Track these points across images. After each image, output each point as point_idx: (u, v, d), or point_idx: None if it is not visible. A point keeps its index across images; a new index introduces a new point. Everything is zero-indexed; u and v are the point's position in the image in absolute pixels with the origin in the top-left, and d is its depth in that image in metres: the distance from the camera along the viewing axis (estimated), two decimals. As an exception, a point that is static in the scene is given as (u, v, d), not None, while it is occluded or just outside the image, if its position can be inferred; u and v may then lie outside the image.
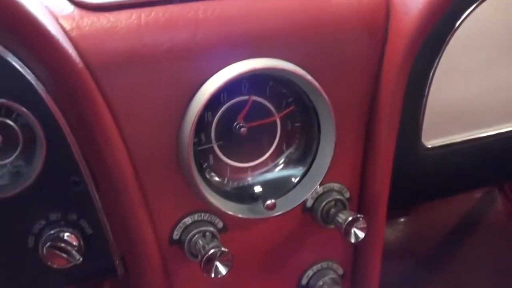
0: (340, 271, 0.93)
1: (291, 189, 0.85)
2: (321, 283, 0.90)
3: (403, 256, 1.71)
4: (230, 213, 0.81)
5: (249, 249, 0.85)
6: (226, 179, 0.83)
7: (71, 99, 0.72)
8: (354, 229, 0.83)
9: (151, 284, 0.82)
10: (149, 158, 0.77)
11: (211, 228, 0.81)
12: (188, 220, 0.81)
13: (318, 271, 0.91)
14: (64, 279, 0.85)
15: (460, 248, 1.73)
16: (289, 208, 0.83)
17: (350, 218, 0.82)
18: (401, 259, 1.70)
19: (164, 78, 0.75)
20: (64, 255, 0.82)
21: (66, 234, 0.82)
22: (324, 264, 0.91)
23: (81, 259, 0.82)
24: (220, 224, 0.82)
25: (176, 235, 0.81)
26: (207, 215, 0.81)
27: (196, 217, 0.81)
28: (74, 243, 0.82)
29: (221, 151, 0.82)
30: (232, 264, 0.78)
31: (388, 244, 1.65)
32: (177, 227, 0.81)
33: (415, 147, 0.97)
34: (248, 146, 0.85)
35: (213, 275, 0.77)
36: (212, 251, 0.76)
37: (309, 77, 0.78)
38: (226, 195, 0.83)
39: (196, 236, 0.80)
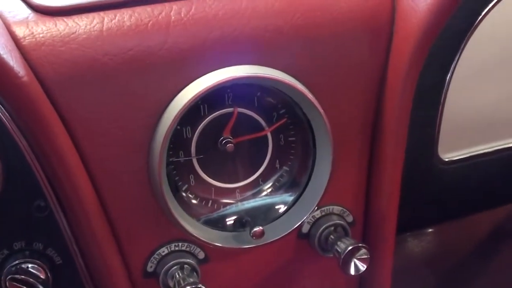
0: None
1: (283, 214, 0.74)
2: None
3: (431, 272, 1.60)
4: (212, 242, 0.70)
5: (235, 282, 0.76)
6: (209, 202, 0.73)
7: (20, 116, 0.62)
8: (354, 260, 0.72)
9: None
10: (116, 182, 0.68)
11: (190, 260, 0.72)
12: (163, 251, 0.71)
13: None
14: None
15: (493, 261, 1.61)
16: (280, 236, 0.72)
17: (350, 248, 0.72)
18: (429, 274, 1.59)
19: (130, 91, 0.65)
20: (27, 289, 0.72)
21: (31, 265, 0.73)
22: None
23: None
24: (201, 255, 0.73)
25: (150, 268, 0.71)
26: (186, 244, 0.72)
27: (173, 247, 0.72)
28: (40, 275, 0.72)
29: (203, 170, 0.71)
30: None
31: (414, 258, 1.54)
32: (152, 258, 0.72)
33: (431, 161, 0.86)
34: (235, 164, 0.76)
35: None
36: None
37: (299, 86, 0.67)
38: (208, 222, 0.73)
39: (174, 268, 0.71)
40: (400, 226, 0.84)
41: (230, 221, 0.75)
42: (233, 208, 0.75)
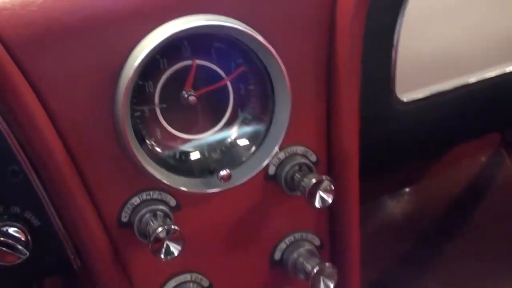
0: (317, 241, 0.85)
1: (249, 158, 0.77)
2: (296, 256, 0.82)
3: (410, 229, 1.63)
4: (181, 188, 0.74)
5: (209, 226, 0.79)
6: (177, 153, 0.76)
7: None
8: (319, 193, 0.76)
9: (103, 271, 0.75)
10: (84, 137, 0.71)
11: (163, 207, 0.74)
12: (136, 200, 0.74)
13: (291, 243, 0.84)
14: (14, 279, 0.79)
15: (470, 216, 1.65)
16: (247, 178, 0.75)
17: (313, 181, 0.75)
18: (408, 232, 1.62)
19: (91, 47, 0.69)
20: (9, 250, 0.75)
21: (10, 228, 0.75)
22: (298, 236, 0.84)
23: (28, 254, 0.75)
24: (173, 202, 0.76)
25: (124, 217, 0.74)
26: (157, 193, 0.75)
27: (144, 196, 0.74)
28: (21, 237, 0.75)
29: (168, 123, 0.75)
30: (184, 243, 0.71)
31: (393, 217, 1.58)
32: (125, 208, 0.74)
33: (389, 102, 0.89)
34: (200, 115, 0.78)
35: (162, 257, 0.70)
36: (159, 229, 0.69)
37: (253, 33, 0.71)
38: (177, 170, 0.76)
39: (146, 216, 0.74)
40: (364, 168, 0.87)
41: (198, 168, 0.77)
42: (200, 157, 0.78)
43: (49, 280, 1.02)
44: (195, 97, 0.74)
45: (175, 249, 0.71)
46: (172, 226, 0.71)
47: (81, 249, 0.77)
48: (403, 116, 0.92)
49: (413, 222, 1.62)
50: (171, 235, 0.70)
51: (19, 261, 0.77)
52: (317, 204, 0.76)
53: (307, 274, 0.80)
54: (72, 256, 0.81)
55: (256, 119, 0.78)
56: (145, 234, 0.73)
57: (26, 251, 0.76)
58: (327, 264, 0.80)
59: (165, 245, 0.71)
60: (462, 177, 1.68)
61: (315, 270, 0.79)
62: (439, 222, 1.63)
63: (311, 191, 0.76)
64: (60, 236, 0.79)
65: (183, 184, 0.74)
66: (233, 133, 0.78)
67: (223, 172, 0.75)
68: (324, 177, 0.76)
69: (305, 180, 0.77)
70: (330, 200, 0.76)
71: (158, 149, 0.75)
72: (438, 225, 1.62)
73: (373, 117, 0.88)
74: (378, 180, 1.61)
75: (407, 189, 1.64)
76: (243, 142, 0.79)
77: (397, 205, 1.64)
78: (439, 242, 1.61)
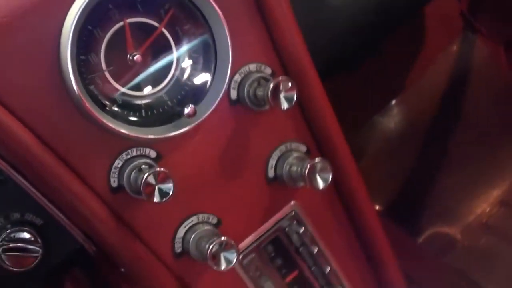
0: (303, 148, 0.87)
1: (208, 90, 0.80)
2: (288, 167, 0.85)
3: (411, 135, 1.65)
4: (155, 136, 0.76)
5: (197, 166, 0.82)
6: (142, 110, 0.79)
7: None
8: (282, 94, 0.78)
9: (112, 240, 0.78)
10: (49, 121, 0.73)
11: (145, 160, 0.77)
12: (118, 163, 0.77)
13: (279, 157, 0.86)
14: (37, 280, 0.82)
15: (461, 106, 1.66)
16: (212, 108, 0.78)
17: (271, 85, 0.77)
18: (410, 138, 1.64)
19: (26, 33, 0.71)
20: (22, 254, 0.78)
21: (16, 233, 0.78)
22: (283, 148, 0.86)
23: (40, 251, 0.78)
24: (153, 153, 0.78)
25: (114, 183, 0.77)
26: (134, 150, 0.77)
27: (124, 156, 0.77)
28: (28, 238, 0.78)
29: (124, 84, 0.78)
30: (174, 182, 0.73)
31: (391, 132, 1.60)
32: (111, 174, 0.77)
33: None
34: (151, 68, 0.80)
35: (158, 199, 0.73)
36: (145, 175, 0.72)
37: None
38: (145, 123, 0.78)
39: (133, 174, 0.76)
40: (327, 69, 0.90)
41: (166, 117, 0.80)
42: (164, 106, 0.81)
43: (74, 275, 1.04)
44: (140, 55, 0.76)
45: (167, 189, 0.73)
46: (157, 169, 0.73)
47: (86, 228, 0.79)
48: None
49: (411, 129, 1.64)
50: (159, 178, 0.72)
51: (37, 261, 0.79)
52: (284, 105, 0.79)
53: (303, 176, 0.82)
54: (84, 242, 0.83)
55: (202, 53, 0.81)
56: (139, 191, 0.75)
57: (38, 249, 0.79)
58: (316, 159, 0.82)
59: (156, 189, 0.73)
60: (441, 73, 1.70)
61: (307, 170, 0.81)
62: (435, 121, 1.65)
63: (273, 94, 0.78)
64: (66, 227, 0.81)
65: (155, 132, 0.77)
66: (186, 73, 0.81)
67: (187, 109, 0.78)
68: (281, 77, 0.78)
69: (263, 87, 0.79)
70: (294, 97, 0.79)
71: (121, 111, 0.77)
72: (435, 124, 1.64)
73: (313, 20, 0.90)
74: (361, 105, 1.62)
75: (393, 102, 1.66)
76: (198, 78, 0.81)
77: (390, 120, 1.66)
78: (443, 139, 1.62)
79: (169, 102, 0.81)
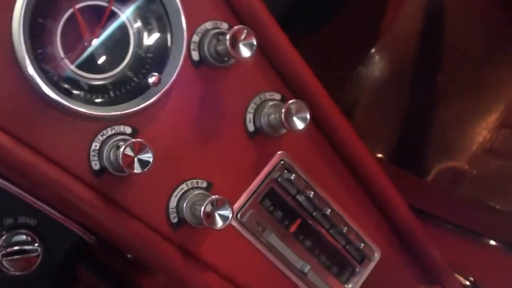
0: (278, 96, 0.87)
1: (168, 57, 0.80)
2: (266, 117, 0.85)
3: (398, 76, 1.63)
4: (123, 112, 0.76)
5: (176, 134, 0.82)
6: (110, 91, 0.79)
7: None
8: (241, 44, 0.78)
9: (103, 220, 0.78)
10: (17, 118, 0.73)
11: (121, 137, 0.77)
12: (95, 145, 0.77)
13: (256, 109, 0.86)
14: (45, 280, 0.82)
15: (442, 39, 1.65)
16: (176, 72, 0.78)
17: (228, 36, 0.77)
18: (398, 80, 1.63)
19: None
20: (22, 255, 0.78)
21: (13, 237, 0.78)
22: (257, 100, 0.86)
23: (39, 249, 0.78)
24: (128, 130, 0.78)
25: (95, 165, 0.77)
26: (109, 129, 0.77)
27: (100, 138, 0.77)
28: (25, 239, 0.78)
29: (88, 70, 0.78)
30: (153, 150, 0.73)
31: (377, 79, 1.59)
32: (91, 157, 0.77)
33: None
34: (112, 48, 0.80)
35: (139, 170, 0.73)
36: (122, 149, 0.72)
37: None
38: (116, 101, 0.78)
39: (112, 153, 0.76)
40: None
41: (136, 91, 0.80)
42: (131, 82, 0.80)
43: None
44: (96, 38, 0.76)
45: (147, 158, 0.73)
46: (132, 140, 0.73)
47: (78, 217, 0.79)
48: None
49: (397, 71, 1.63)
50: (136, 148, 0.72)
51: (39, 260, 0.79)
52: (244, 53, 0.78)
53: (282, 122, 0.81)
54: (82, 233, 0.83)
55: (156, 22, 0.81)
56: (121, 168, 0.75)
57: (37, 248, 0.79)
58: (290, 101, 0.81)
59: (136, 160, 0.73)
60: (416, 10, 1.68)
61: (283, 114, 0.81)
62: (420, 59, 1.64)
63: (232, 44, 0.78)
64: (61, 221, 0.81)
65: (123, 109, 0.77)
66: (145, 46, 0.81)
67: (151, 79, 0.77)
68: (237, 26, 0.78)
69: (222, 42, 0.78)
70: (254, 43, 0.79)
71: (89, 95, 0.77)
72: (420, 61, 1.63)
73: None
74: (342, 60, 1.62)
75: (373, 51, 1.65)
76: (157, 48, 0.81)
77: (374, 69, 1.65)
78: (431, 74, 1.61)
79: (134, 78, 0.81)
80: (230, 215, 0.78)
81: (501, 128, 1.56)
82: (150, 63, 0.81)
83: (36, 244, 0.81)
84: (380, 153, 1.60)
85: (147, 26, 0.81)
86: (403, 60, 1.64)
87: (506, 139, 1.55)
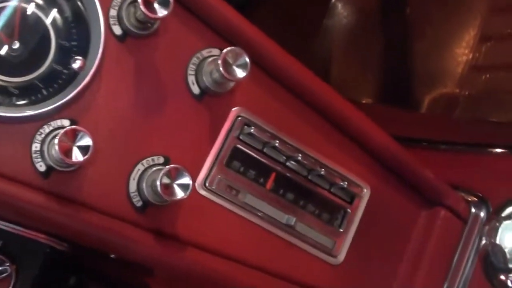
0: (216, 51, 0.82)
1: (90, 39, 0.75)
2: (209, 75, 0.80)
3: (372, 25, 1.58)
4: (56, 105, 0.72)
5: (117, 115, 0.78)
6: (43, 91, 0.75)
7: None
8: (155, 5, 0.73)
9: (65, 221, 0.75)
10: None
11: (60, 131, 0.72)
12: (36, 146, 0.74)
13: (196, 70, 0.81)
14: None
15: None
16: (99, 52, 0.74)
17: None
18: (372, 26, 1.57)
19: None
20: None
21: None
22: (195, 60, 0.82)
23: (9, 269, 0.74)
24: (66, 122, 0.74)
25: (40, 167, 0.73)
26: (45, 127, 0.74)
27: (38, 137, 0.73)
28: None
29: (13, 75, 0.74)
30: (86, 132, 0.68)
31: (341, 28, 1.54)
32: (34, 160, 0.73)
33: None
34: (33, 46, 0.76)
35: (80, 158, 0.69)
36: (56, 140, 0.67)
37: None
38: (49, 97, 0.75)
39: (52, 149, 0.72)
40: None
41: (64, 85, 0.76)
42: (61, 75, 0.77)
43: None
44: (17, 40, 0.73)
45: (86, 143, 0.69)
46: (63, 129, 0.68)
47: (41, 225, 0.75)
48: None
49: (364, 13, 1.58)
50: (70, 135, 0.68)
51: (13, 280, 0.76)
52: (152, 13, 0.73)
53: (223, 75, 0.76)
54: (52, 242, 0.79)
55: (68, 7, 0.78)
56: (64, 162, 0.71)
57: (7, 267, 0.75)
58: (225, 49, 0.76)
59: (75, 148, 0.69)
60: None
61: (221, 65, 0.76)
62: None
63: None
64: (28, 236, 0.78)
65: (54, 102, 0.73)
66: (67, 35, 0.77)
67: (76, 64, 0.74)
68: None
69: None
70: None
71: (22, 99, 0.74)
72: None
73: None
74: (304, 17, 1.57)
75: (333, 0, 1.60)
76: (77, 32, 0.77)
77: (340, 18, 1.60)
78: (401, 6, 1.56)
79: (64, 70, 0.77)
80: (190, 182, 0.73)
81: (481, 43, 1.50)
82: (75, 51, 0.77)
83: (6, 265, 0.77)
84: (367, 98, 1.54)
85: (63, 15, 0.77)
86: (366, 1, 1.58)
87: (489, 52, 1.49)
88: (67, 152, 0.69)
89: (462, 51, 1.54)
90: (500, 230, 0.74)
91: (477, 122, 1.38)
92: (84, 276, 0.94)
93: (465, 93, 1.50)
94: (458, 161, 1.12)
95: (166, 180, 0.73)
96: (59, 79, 0.77)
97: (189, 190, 0.73)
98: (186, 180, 0.73)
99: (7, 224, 0.79)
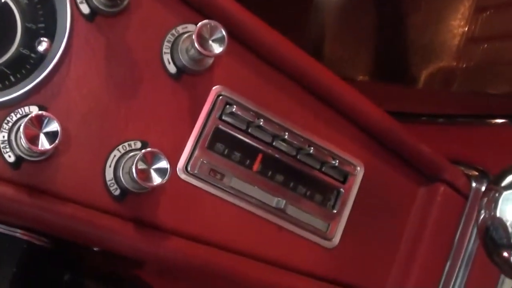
0: (192, 27, 0.77)
1: (56, 21, 0.71)
2: (185, 52, 0.75)
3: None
4: (22, 92, 0.69)
5: (89, 99, 0.74)
6: (11, 77, 0.72)
7: None
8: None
9: (38, 214, 0.71)
10: None
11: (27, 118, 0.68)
12: (4, 136, 0.71)
13: (171, 48, 0.77)
14: None
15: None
16: (66, 33, 0.69)
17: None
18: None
19: None
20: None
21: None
22: (170, 37, 0.77)
23: None
24: (34, 108, 0.70)
25: (9, 157, 0.69)
26: (13, 114, 0.70)
27: (6, 126, 0.70)
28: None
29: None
30: (53, 117, 0.64)
31: (332, 6, 1.49)
32: (2, 150, 0.70)
33: None
34: (1, 30, 0.73)
35: (48, 145, 0.65)
36: (22, 127, 0.63)
37: None
38: (17, 83, 0.71)
39: (19, 138, 0.67)
40: None
41: (33, 70, 0.72)
42: (29, 60, 0.73)
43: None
44: None
45: (53, 128, 0.64)
46: (33, 115, 0.64)
47: (16, 221, 0.71)
48: None
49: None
50: (36, 122, 0.64)
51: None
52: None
53: (199, 51, 0.71)
54: (30, 238, 0.75)
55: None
56: (33, 150, 0.67)
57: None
58: (200, 23, 0.72)
59: (42, 135, 0.64)
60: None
61: (195, 41, 0.71)
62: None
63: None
64: (4, 232, 0.73)
65: (20, 88, 0.69)
66: (33, 16, 0.74)
67: (42, 46, 0.69)
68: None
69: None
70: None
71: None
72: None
73: None
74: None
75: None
76: (45, 14, 0.74)
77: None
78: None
79: (32, 54, 0.74)
80: (168, 166, 0.68)
81: (477, 14, 1.45)
82: (43, 33, 0.72)
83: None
84: (363, 76, 1.49)
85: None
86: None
87: (485, 23, 1.44)
88: (34, 140, 0.64)
89: (458, 23, 1.50)
90: (500, 201, 0.68)
91: (475, 94, 1.33)
92: (78, 272, 0.90)
93: (462, 66, 1.45)
94: (457, 135, 1.07)
95: (142, 165, 0.68)
96: (27, 64, 0.73)
97: (167, 175, 0.68)
98: (163, 164, 0.68)
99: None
